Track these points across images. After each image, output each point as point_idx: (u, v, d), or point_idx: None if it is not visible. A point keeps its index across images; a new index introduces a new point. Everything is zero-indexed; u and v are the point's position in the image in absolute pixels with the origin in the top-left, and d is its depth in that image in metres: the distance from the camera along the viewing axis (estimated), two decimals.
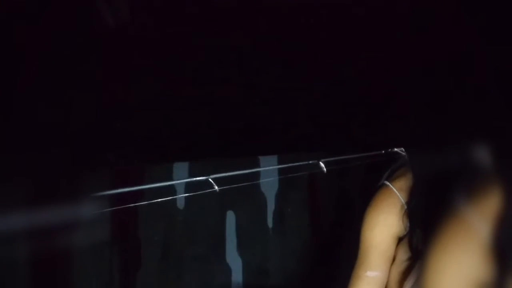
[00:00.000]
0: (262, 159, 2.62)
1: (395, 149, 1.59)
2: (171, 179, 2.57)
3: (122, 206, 1.96)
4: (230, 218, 2.71)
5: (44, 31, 1.12)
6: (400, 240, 1.27)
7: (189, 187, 2.45)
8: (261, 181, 2.53)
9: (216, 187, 1.71)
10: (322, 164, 1.73)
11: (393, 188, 1.28)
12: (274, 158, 2.62)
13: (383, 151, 1.67)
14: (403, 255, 1.20)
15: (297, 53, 1.93)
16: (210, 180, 1.71)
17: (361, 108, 2.10)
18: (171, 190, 2.46)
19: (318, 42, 1.86)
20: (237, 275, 2.71)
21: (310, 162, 1.81)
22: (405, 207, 1.25)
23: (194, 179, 1.86)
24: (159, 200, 2.10)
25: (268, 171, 2.54)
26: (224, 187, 1.78)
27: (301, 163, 2.09)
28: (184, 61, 1.99)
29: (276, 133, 2.51)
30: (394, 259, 1.26)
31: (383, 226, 1.27)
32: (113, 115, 2.08)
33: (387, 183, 1.30)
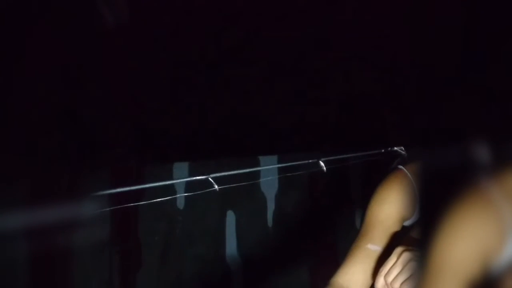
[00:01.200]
0: (262, 158, 2.62)
1: (395, 148, 1.59)
2: (171, 179, 2.57)
3: (122, 206, 1.96)
4: (230, 218, 2.71)
5: (44, 31, 1.12)
6: (407, 231, 1.26)
7: (189, 186, 2.45)
8: (261, 180, 2.53)
9: (216, 186, 1.71)
10: (322, 163, 1.73)
11: (406, 172, 1.28)
12: (274, 157, 2.63)
13: (383, 150, 1.67)
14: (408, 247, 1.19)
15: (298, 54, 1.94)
16: (210, 179, 1.71)
17: (363, 107, 2.10)
18: (171, 189, 2.46)
19: (321, 43, 1.86)
20: (237, 275, 2.71)
21: (310, 161, 1.80)
22: (416, 190, 1.25)
23: (194, 178, 1.86)
24: (159, 199, 2.09)
25: (268, 171, 2.54)
26: (224, 186, 1.78)
27: (301, 162, 2.09)
28: (184, 61, 1.99)
29: (276, 132, 2.51)
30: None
31: (392, 203, 1.27)
32: (113, 115, 2.08)
33: (401, 166, 1.30)
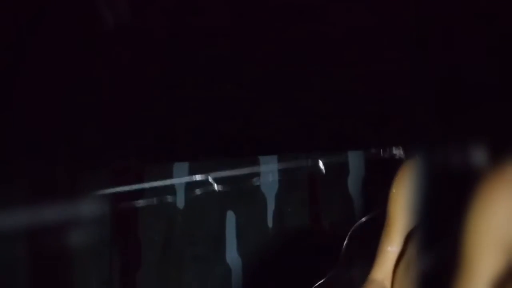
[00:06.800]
0: (262, 159, 2.62)
1: (394, 149, 1.60)
2: (171, 179, 2.57)
3: (123, 206, 1.96)
4: (230, 218, 2.72)
5: (44, 32, 1.13)
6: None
7: (189, 186, 2.45)
8: (261, 181, 2.54)
9: (216, 187, 1.72)
10: (321, 164, 1.74)
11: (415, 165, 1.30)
12: (274, 158, 2.63)
13: (382, 151, 1.68)
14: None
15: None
16: (210, 179, 1.71)
17: (368, 110, 2.10)
18: (171, 189, 2.47)
19: (332, 49, 1.87)
20: (237, 275, 2.71)
21: (310, 162, 1.81)
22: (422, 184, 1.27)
23: (194, 178, 1.86)
24: (159, 199, 2.10)
25: (268, 171, 2.55)
26: (224, 187, 1.79)
27: (300, 163, 2.10)
28: (185, 63, 1.99)
29: (276, 132, 2.51)
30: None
31: (405, 198, 1.29)
32: (113, 115, 2.08)
33: (409, 160, 1.32)
